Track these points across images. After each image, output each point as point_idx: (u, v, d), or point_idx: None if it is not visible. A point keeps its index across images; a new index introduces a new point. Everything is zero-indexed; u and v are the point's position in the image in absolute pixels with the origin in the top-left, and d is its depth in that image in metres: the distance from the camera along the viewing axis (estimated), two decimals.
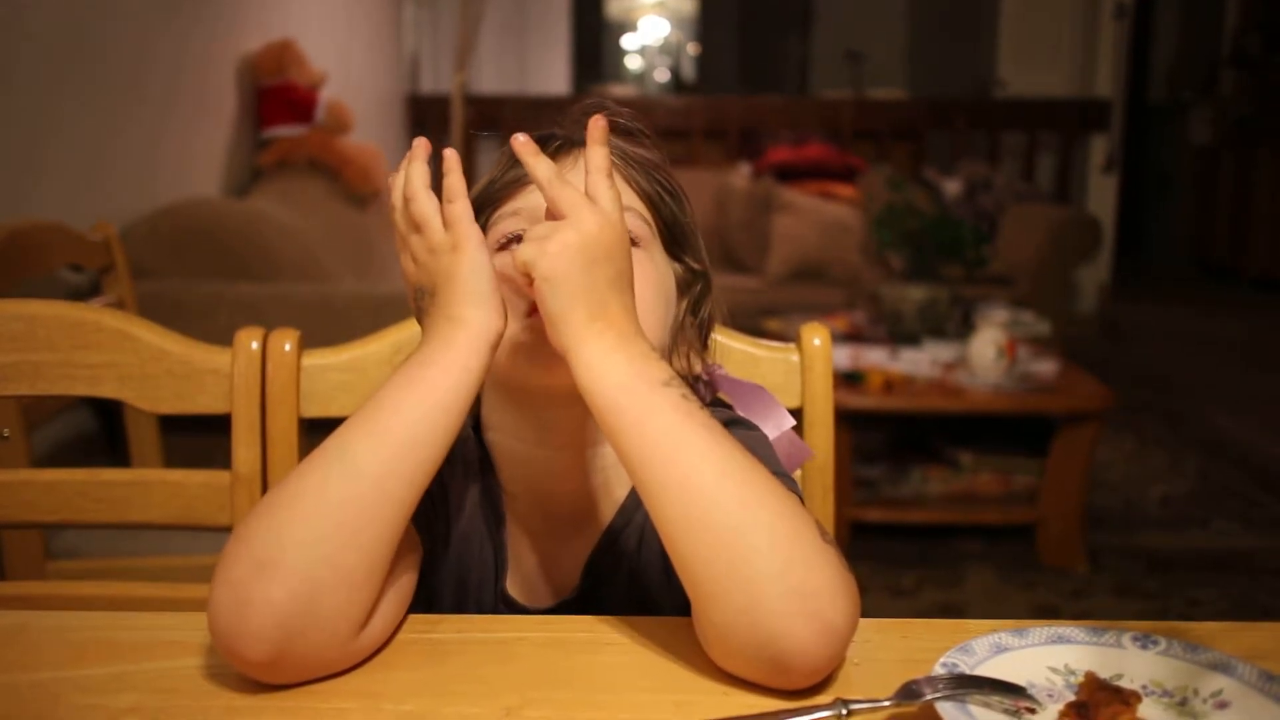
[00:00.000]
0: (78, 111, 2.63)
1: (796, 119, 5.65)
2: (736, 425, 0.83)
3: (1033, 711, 0.62)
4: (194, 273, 2.80)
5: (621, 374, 0.66)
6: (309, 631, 0.62)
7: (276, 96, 3.71)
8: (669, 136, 5.44)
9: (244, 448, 0.98)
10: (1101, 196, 5.61)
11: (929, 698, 0.59)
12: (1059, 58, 5.69)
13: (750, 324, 2.73)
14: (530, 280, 0.68)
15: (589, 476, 0.81)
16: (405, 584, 0.71)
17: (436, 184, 0.71)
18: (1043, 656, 0.66)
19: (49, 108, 2.51)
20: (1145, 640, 0.67)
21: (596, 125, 0.71)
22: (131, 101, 2.91)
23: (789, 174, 5.02)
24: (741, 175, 4.99)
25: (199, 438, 1.44)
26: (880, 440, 3.02)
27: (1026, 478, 2.83)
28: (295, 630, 0.61)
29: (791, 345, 1.01)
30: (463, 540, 0.82)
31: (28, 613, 0.74)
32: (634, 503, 0.81)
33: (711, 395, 0.88)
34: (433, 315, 0.70)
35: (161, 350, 0.98)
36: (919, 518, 2.82)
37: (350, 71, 4.54)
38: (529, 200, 0.78)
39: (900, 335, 2.93)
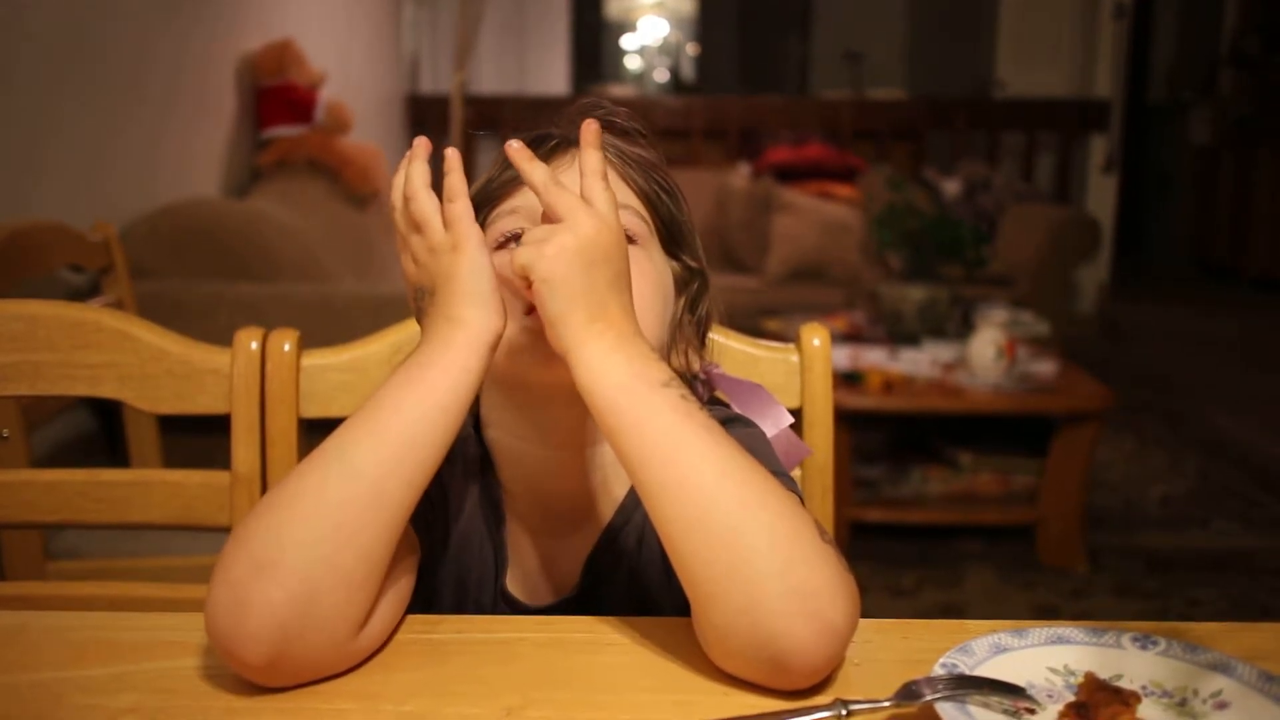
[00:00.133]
0: (78, 111, 2.63)
1: (796, 119, 5.65)
2: (735, 423, 0.83)
3: (1032, 712, 0.62)
4: (194, 273, 2.80)
5: (621, 374, 0.67)
6: (307, 633, 0.62)
7: (276, 96, 3.72)
8: (669, 137, 5.46)
9: (243, 448, 0.98)
10: (1101, 196, 5.61)
11: (929, 698, 0.59)
12: (1058, 58, 5.69)
13: (750, 324, 2.73)
14: (528, 283, 0.68)
15: (588, 475, 0.81)
16: (403, 586, 0.71)
17: (437, 183, 0.71)
18: (1042, 657, 0.66)
19: (49, 108, 2.51)
20: (1145, 641, 0.67)
21: (589, 129, 0.71)
22: (131, 101, 2.91)
23: (789, 174, 5.03)
24: (741, 175, 4.99)
25: (199, 438, 1.44)
26: (880, 440, 3.02)
27: (1026, 478, 2.83)
28: (294, 632, 0.61)
29: (791, 345, 1.01)
30: (462, 538, 0.82)
31: (28, 613, 0.74)
32: (633, 502, 0.81)
33: (709, 394, 0.88)
34: (432, 315, 0.70)
35: (161, 350, 0.98)
36: (919, 518, 2.82)
37: (350, 71, 4.54)
38: (528, 198, 0.78)
39: (900, 335, 2.93)
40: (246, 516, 0.65)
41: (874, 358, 2.79)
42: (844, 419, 2.57)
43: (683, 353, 0.85)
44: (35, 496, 1.00)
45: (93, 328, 0.98)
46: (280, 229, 3.13)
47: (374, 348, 1.00)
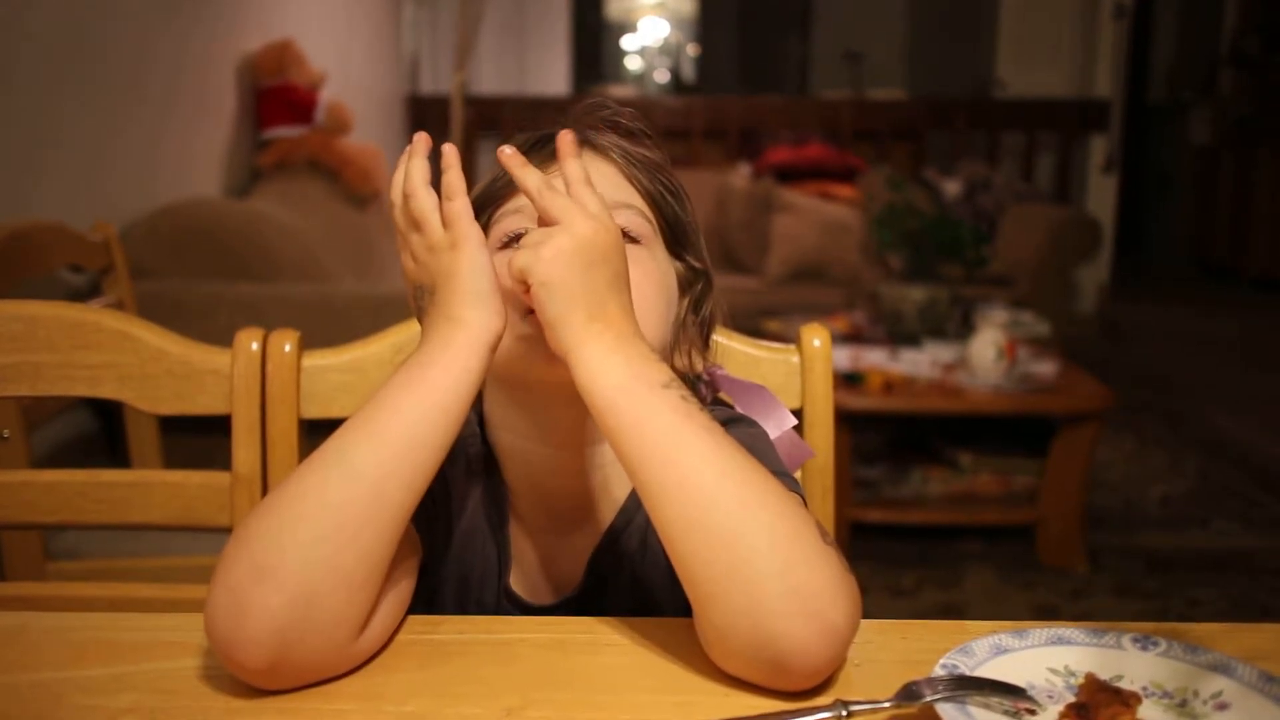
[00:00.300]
0: (78, 111, 2.63)
1: (796, 119, 5.65)
2: (737, 423, 0.83)
3: (1033, 713, 0.62)
4: (194, 273, 2.80)
5: (620, 375, 0.66)
6: (308, 637, 0.62)
7: (276, 97, 3.72)
8: (669, 137, 5.45)
9: (244, 448, 0.98)
10: (1101, 196, 5.61)
11: (929, 699, 0.59)
12: (1058, 58, 5.69)
13: (750, 324, 2.74)
14: (527, 287, 0.68)
15: (590, 475, 0.81)
16: (404, 587, 0.71)
17: (437, 181, 0.71)
18: (1043, 658, 0.66)
19: (49, 108, 2.51)
20: (1145, 641, 0.67)
21: (565, 140, 0.71)
22: (131, 101, 2.91)
23: (789, 174, 5.03)
24: (741, 175, 4.99)
25: (199, 438, 1.44)
26: (880, 441, 3.02)
27: (1026, 478, 2.83)
28: (294, 636, 0.61)
29: (791, 346, 1.01)
30: (465, 537, 0.82)
31: (28, 613, 0.73)
32: (635, 503, 0.81)
33: (712, 395, 0.88)
34: (432, 315, 0.70)
35: (161, 351, 0.98)
36: (919, 518, 2.82)
37: (350, 72, 4.54)
38: None
39: (900, 336, 2.93)
40: (246, 518, 0.65)
41: (874, 358, 2.79)
42: (844, 419, 2.57)
43: (686, 353, 0.85)
44: (35, 497, 1.00)
45: (93, 328, 0.98)
46: (280, 229, 3.13)
47: (374, 348, 1.00)
